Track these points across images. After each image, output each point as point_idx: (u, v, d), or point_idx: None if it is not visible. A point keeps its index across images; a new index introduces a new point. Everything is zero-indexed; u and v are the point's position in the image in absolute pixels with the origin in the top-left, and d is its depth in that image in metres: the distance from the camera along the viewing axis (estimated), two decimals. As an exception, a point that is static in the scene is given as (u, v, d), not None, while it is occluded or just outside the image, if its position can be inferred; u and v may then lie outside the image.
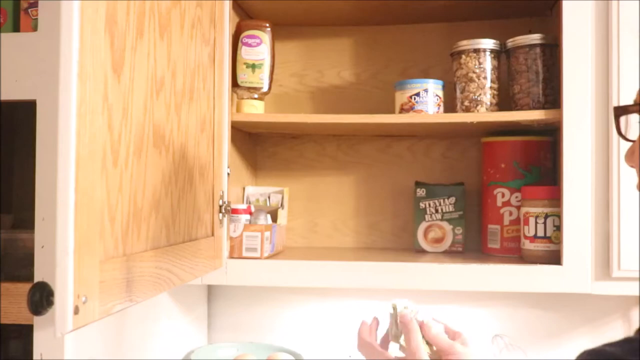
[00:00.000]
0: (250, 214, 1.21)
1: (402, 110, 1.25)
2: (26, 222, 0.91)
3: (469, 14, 1.37)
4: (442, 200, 1.34)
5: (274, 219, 1.31)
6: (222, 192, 1.09)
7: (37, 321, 0.73)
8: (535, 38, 1.19)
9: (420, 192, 1.36)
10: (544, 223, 1.14)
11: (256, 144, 1.51)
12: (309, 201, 1.49)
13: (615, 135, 1.06)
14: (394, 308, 0.92)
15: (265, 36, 1.28)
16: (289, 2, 1.33)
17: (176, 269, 0.85)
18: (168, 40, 0.83)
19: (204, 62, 1.00)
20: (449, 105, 1.28)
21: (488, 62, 1.22)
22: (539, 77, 1.18)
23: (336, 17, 1.42)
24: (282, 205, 1.39)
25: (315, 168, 1.49)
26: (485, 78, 1.22)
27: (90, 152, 0.61)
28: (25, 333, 0.79)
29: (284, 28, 1.43)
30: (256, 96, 1.28)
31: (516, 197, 1.25)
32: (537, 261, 1.14)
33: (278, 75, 1.40)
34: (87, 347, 0.85)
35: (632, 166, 0.58)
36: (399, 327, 0.89)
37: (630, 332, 1.36)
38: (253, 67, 1.27)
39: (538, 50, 1.19)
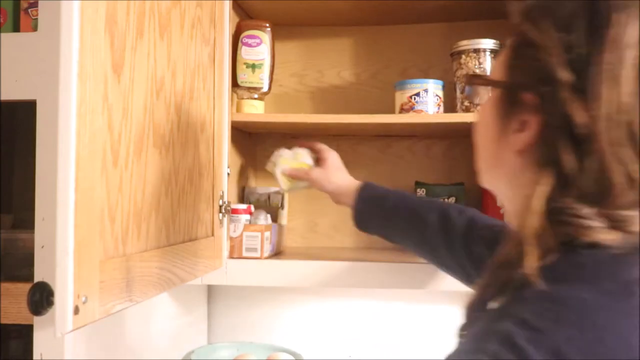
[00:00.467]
0: (250, 214, 1.21)
1: (402, 110, 1.25)
2: (26, 222, 0.91)
3: (469, 14, 1.37)
4: (442, 200, 1.34)
5: (274, 219, 1.31)
6: (222, 192, 1.09)
7: (37, 321, 0.73)
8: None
9: (420, 192, 1.36)
10: (544, 223, 1.14)
11: (256, 144, 1.51)
12: (309, 201, 1.49)
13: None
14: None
15: (265, 36, 1.28)
16: (289, 2, 1.33)
17: (176, 269, 0.85)
18: (168, 40, 0.83)
19: (204, 62, 1.00)
20: (449, 105, 1.28)
21: (488, 62, 1.22)
22: (539, 77, 1.18)
23: (336, 17, 1.42)
24: (282, 205, 1.38)
25: (315, 168, 1.49)
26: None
27: (90, 152, 0.61)
28: (25, 333, 0.79)
29: (284, 28, 1.43)
30: (256, 96, 1.28)
31: (516, 197, 1.25)
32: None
33: (278, 75, 1.40)
34: (87, 347, 0.85)
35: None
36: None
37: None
38: (253, 67, 1.27)
39: (538, 50, 1.19)
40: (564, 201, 0.53)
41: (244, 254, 1.15)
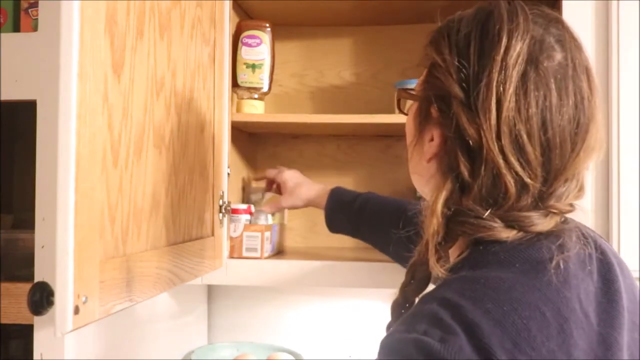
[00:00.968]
0: (251, 214, 1.21)
1: (402, 110, 1.25)
2: (26, 222, 0.91)
3: (469, 14, 1.37)
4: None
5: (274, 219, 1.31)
6: (222, 192, 1.09)
7: (37, 321, 0.73)
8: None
9: (420, 192, 1.36)
10: (544, 223, 1.14)
11: (256, 144, 1.51)
12: (309, 201, 1.49)
13: (615, 134, 1.06)
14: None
15: (265, 36, 1.28)
16: (288, 2, 1.33)
17: (176, 269, 0.85)
18: (168, 40, 0.83)
19: (204, 62, 1.00)
20: (449, 105, 1.28)
21: (488, 62, 1.22)
22: (539, 77, 1.18)
23: (336, 17, 1.42)
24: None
25: (315, 168, 1.49)
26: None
27: (90, 152, 0.61)
28: (25, 333, 0.79)
29: (284, 28, 1.43)
30: (256, 96, 1.28)
31: (516, 197, 1.25)
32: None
33: (278, 75, 1.40)
34: (87, 347, 0.85)
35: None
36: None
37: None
38: (253, 67, 1.27)
39: (538, 50, 1.19)
40: (465, 204, 0.59)
41: (244, 254, 1.15)
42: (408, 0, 1.30)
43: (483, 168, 0.57)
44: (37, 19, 0.87)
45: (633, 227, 1.06)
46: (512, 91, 0.56)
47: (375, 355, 0.54)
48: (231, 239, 1.15)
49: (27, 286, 0.62)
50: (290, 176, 1.22)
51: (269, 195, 1.30)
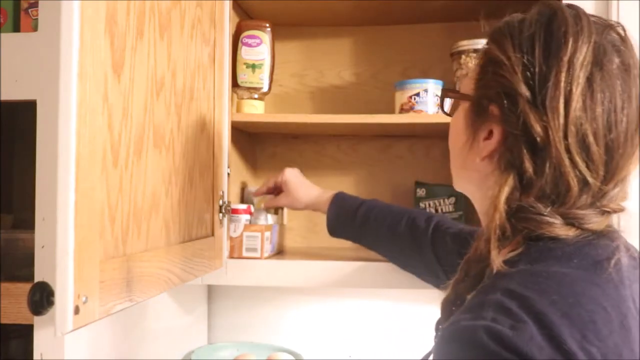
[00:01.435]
0: (251, 214, 1.21)
1: (402, 110, 1.25)
2: (26, 222, 0.91)
3: (469, 14, 1.37)
4: (442, 200, 1.34)
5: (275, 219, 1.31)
6: (222, 192, 1.09)
7: (37, 321, 0.73)
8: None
9: (420, 192, 1.36)
10: (544, 223, 1.14)
11: (256, 144, 1.51)
12: (309, 201, 1.49)
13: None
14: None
15: (265, 36, 1.28)
16: (288, 2, 1.33)
17: (176, 268, 0.85)
18: (168, 40, 0.83)
19: (204, 62, 1.00)
20: (449, 105, 1.27)
21: (488, 62, 1.22)
22: (539, 77, 1.18)
23: (336, 17, 1.42)
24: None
25: (315, 168, 1.49)
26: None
27: (90, 152, 0.61)
28: (25, 333, 0.79)
29: (284, 28, 1.43)
30: (256, 96, 1.28)
31: (516, 197, 1.25)
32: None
33: (278, 75, 1.40)
34: (87, 347, 0.85)
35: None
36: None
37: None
38: (253, 67, 1.27)
39: (538, 50, 1.19)
40: (526, 200, 0.61)
41: (244, 254, 1.15)
42: (408, 0, 1.30)
43: (547, 165, 0.59)
44: (37, 19, 0.87)
45: (633, 227, 1.05)
46: (579, 92, 0.58)
47: (436, 346, 0.55)
48: (231, 239, 1.15)
49: (27, 286, 0.62)
50: (290, 177, 1.22)
51: (269, 195, 1.30)
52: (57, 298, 0.57)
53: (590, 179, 0.59)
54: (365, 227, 1.10)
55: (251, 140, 1.47)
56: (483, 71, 0.67)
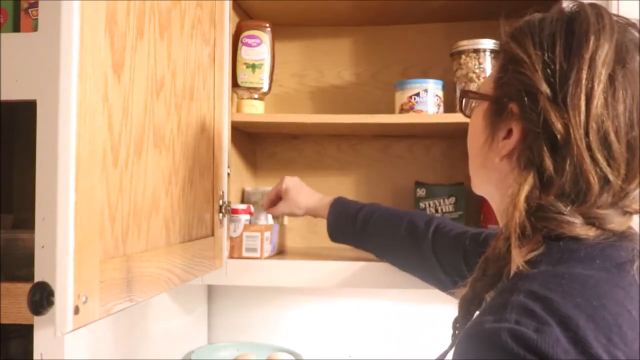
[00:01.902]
0: (251, 214, 1.21)
1: (402, 110, 1.25)
2: (26, 222, 0.91)
3: (469, 14, 1.37)
4: (442, 200, 1.34)
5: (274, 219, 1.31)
6: (222, 192, 1.09)
7: (37, 321, 0.73)
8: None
9: (420, 192, 1.36)
10: (544, 223, 1.14)
11: (256, 144, 1.51)
12: (309, 201, 1.49)
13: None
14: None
15: (265, 36, 1.28)
16: (288, 2, 1.33)
17: (176, 268, 0.85)
18: (168, 40, 0.83)
19: (204, 62, 1.00)
20: (449, 105, 1.28)
21: (488, 62, 1.22)
22: (539, 77, 1.18)
23: (336, 17, 1.42)
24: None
25: (315, 168, 1.49)
26: (485, 78, 1.22)
27: (90, 152, 0.61)
28: (25, 333, 0.79)
29: (284, 28, 1.43)
30: (256, 96, 1.28)
31: (516, 197, 1.25)
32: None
33: (278, 75, 1.40)
34: (87, 347, 0.85)
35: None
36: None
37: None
38: (253, 67, 1.27)
39: (538, 50, 1.19)
40: (546, 199, 0.60)
41: (244, 254, 1.15)
42: (408, 0, 1.30)
43: (568, 163, 0.58)
44: (37, 19, 0.87)
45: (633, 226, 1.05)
46: (601, 89, 0.58)
47: (458, 347, 0.53)
48: (231, 239, 1.15)
49: (27, 286, 0.62)
50: (290, 184, 1.21)
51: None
52: (57, 298, 0.57)
53: (611, 177, 0.58)
54: (365, 232, 1.10)
55: (251, 140, 1.47)
56: (503, 70, 0.66)
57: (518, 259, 0.58)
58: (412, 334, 1.45)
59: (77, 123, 0.58)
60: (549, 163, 0.59)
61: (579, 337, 0.49)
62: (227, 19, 1.14)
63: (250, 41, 1.27)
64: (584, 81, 0.58)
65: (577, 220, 0.58)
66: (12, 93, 0.76)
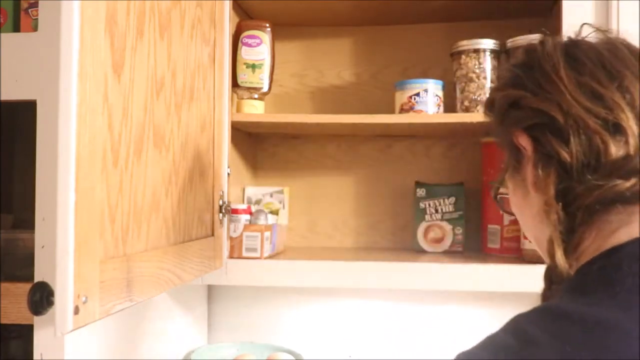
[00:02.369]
0: (251, 214, 1.21)
1: (402, 110, 1.25)
2: (26, 222, 0.91)
3: (469, 14, 1.37)
4: (442, 200, 1.34)
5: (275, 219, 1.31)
6: (222, 192, 1.09)
7: (37, 321, 0.73)
8: (535, 38, 1.18)
9: (420, 192, 1.36)
10: (544, 223, 1.14)
11: (256, 144, 1.51)
12: (309, 201, 1.49)
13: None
14: None
15: (265, 36, 1.28)
16: (288, 2, 1.33)
17: (176, 268, 0.85)
18: (168, 40, 0.83)
19: (204, 62, 1.00)
20: (449, 105, 1.28)
21: (488, 62, 1.22)
22: (539, 77, 1.18)
23: (336, 17, 1.42)
24: (282, 205, 1.39)
25: (315, 168, 1.49)
26: (485, 78, 1.22)
27: (91, 152, 0.61)
28: (25, 333, 0.79)
29: (284, 28, 1.43)
30: (256, 96, 1.28)
31: (516, 197, 1.25)
32: (537, 261, 1.13)
33: (278, 75, 1.40)
34: (87, 347, 0.85)
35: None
36: None
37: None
38: (253, 67, 1.27)
39: (538, 50, 1.19)
40: (571, 185, 0.57)
41: (244, 254, 1.15)
42: (408, 0, 1.30)
43: (572, 134, 0.57)
44: (37, 19, 0.87)
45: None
46: (563, 61, 0.60)
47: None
48: (231, 239, 1.15)
49: (27, 286, 0.62)
50: None
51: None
52: (57, 298, 0.57)
53: (611, 118, 0.56)
54: None
55: (251, 140, 1.47)
56: (502, 125, 0.67)
57: (562, 261, 0.56)
58: (412, 334, 1.45)
59: (77, 123, 0.58)
60: (558, 148, 0.58)
61: None
62: (227, 19, 1.14)
63: (250, 41, 1.27)
64: (547, 67, 0.61)
65: (606, 182, 0.55)
66: (12, 93, 0.76)
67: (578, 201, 0.57)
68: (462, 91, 1.23)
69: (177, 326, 1.31)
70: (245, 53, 1.27)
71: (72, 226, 0.57)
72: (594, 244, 0.57)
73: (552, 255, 0.58)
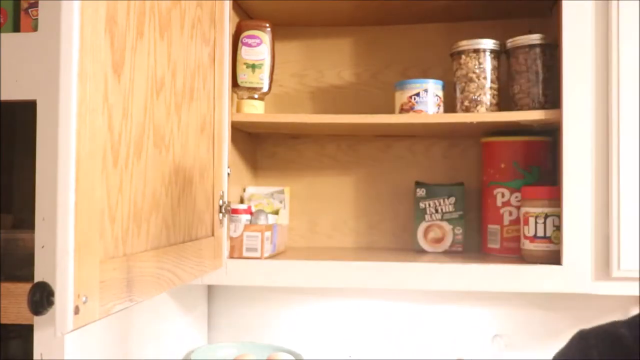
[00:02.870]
0: (251, 214, 1.21)
1: (402, 110, 1.25)
2: (26, 222, 0.91)
3: (469, 14, 1.37)
4: (442, 200, 1.34)
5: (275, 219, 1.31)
6: (222, 192, 1.09)
7: (37, 321, 0.73)
8: (535, 38, 1.19)
9: (420, 192, 1.36)
10: (544, 223, 1.14)
11: (256, 144, 1.51)
12: (309, 201, 1.49)
13: (615, 135, 1.06)
14: None
15: (265, 36, 1.28)
16: (289, 2, 1.33)
17: (176, 269, 0.85)
18: (168, 40, 0.83)
19: (204, 62, 1.00)
20: (449, 105, 1.28)
21: (488, 62, 1.22)
22: (538, 77, 1.18)
23: (336, 17, 1.42)
24: (283, 204, 1.39)
25: (315, 168, 1.49)
26: (485, 78, 1.22)
27: (90, 152, 0.61)
28: (25, 333, 0.79)
29: (284, 28, 1.43)
30: (256, 96, 1.28)
31: (516, 197, 1.25)
32: (537, 261, 1.14)
33: (278, 75, 1.40)
34: (87, 347, 0.85)
35: None
36: None
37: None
38: (253, 67, 1.27)
39: (538, 50, 1.19)
40: None
41: (244, 254, 1.15)
42: (408, 0, 1.30)
43: None
44: (37, 19, 0.87)
45: (633, 227, 1.05)
46: None
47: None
48: (231, 239, 1.15)
49: (27, 286, 0.62)
50: None
51: None
52: (57, 298, 0.57)
53: None
54: None
55: (251, 140, 1.47)
56: None
57: None
58: (412, 334, 1.45)
59: (77, 123, 0.58)
60: None
61: None
62: (227, 19, 1.14)
63: (250, 41, 1.27)
64: None
65: None
66: (12, 93, 0.76)
67: None
68: (462, 91, 1.23)
69: (177, 326, 1.31)
70: (245, 53, 1.27)
71: (72, 226, 0.57)
72: None
73: None
